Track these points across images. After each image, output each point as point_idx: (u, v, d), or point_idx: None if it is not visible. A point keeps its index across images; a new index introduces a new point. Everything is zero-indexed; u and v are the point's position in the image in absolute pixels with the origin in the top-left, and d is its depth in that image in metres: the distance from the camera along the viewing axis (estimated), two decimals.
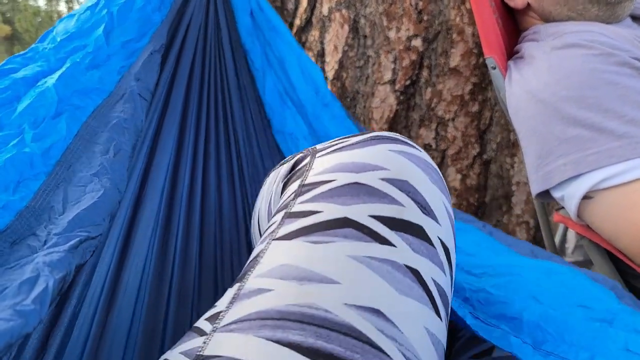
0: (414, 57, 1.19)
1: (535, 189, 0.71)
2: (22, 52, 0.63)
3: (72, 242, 0.40)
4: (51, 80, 0.56)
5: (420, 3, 1.17)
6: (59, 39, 0.65)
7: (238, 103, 1.02)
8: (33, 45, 0.66)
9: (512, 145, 1.22)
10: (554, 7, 0.83)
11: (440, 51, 1.18)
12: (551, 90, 0.68)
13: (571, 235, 1.15)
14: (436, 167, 0.41)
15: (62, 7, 21.14)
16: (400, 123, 1.23)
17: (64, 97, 0.55)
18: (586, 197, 0.64)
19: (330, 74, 1.31)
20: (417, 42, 1.18)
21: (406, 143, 0.41)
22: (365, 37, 1.25)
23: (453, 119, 1.19)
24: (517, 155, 1.22)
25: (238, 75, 1.02)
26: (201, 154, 0.94)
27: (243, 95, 1.04)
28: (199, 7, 0.94)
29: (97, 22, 0.70)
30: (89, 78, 0.61)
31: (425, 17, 1.17)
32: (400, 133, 1.23)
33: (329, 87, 1.30)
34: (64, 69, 0.59)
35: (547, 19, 0.86)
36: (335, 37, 1.29)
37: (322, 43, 1.34)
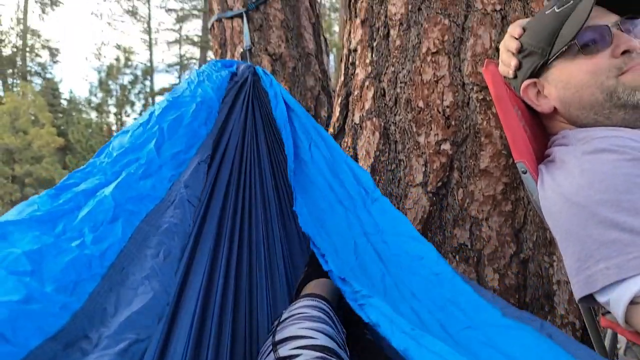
0: (444, 160, 1.23)
1: (578, 293, 0.70)
2: (81, 167, 0.70)
3: (121, 345, 0.42)
4: (108, 189, 0.61)
5: (448, 109, 1.23)
6: (115, 154, 0.72)
7: (276, 211, 1.07)
8: (91, 160, 0.73)
9: (549, 244, 1.20)
10: (581, 112, 0.86)
11: (470, 153, 1.22)
12: (585, 193, 0.69)
13: (622, 336, 1.09)
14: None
15: (112, 119, 22.83)
16: (434, 223, 1.24)
17: (120, 202, 0.60)
18: (633, 302, 0.63)
19: None
20: (447, 146, 1.23)
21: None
22: (395, 142, 1.31)
23: (487, 219, 1.20)
24: (556, 253, 1.20)
25: (277, 184, 1.08)
26: (234, 261, 0.97)
27: (284, 205, 1.08)
28: (238, 121, 1.02)
29: (149, 137, 0.78)
30: (142, 186, 0.66)
31: (453, 122, 1.23)
32: (435, 233, 1.24)
33: None
34: (119, 179, 0.65)
35: (574, 123, 0.89)
36: (367, 144, 1.36)
37: (354, 149, 1.41)
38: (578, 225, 0.69)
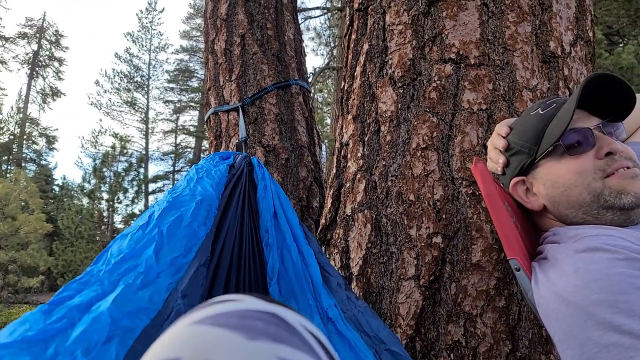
0: (435, 253, 1.22)
1: None
2: (77, 277, 0.68)
3: None
4: (105, 304, 0.59)
5: (438, 203, 1.25)
6: (113, 261, 0.71)
7: None
8: (88, 268, 0.71)
9: (545, 342, 1.17)
10: (570, 211, 0.87)
11: (461, 247, 1.22)
12: (582, 293, 0.69)
13: None
14: (270, 309, 0.35)
15: (104, 205, 22.81)
16: (427, 319, 1.21)
17: (116, 319, 0.58)
18: None
19: (355, 270, 1.34)
20: (438, 239, 1.23)
21: (224, 301, 0.35)
22: (387, 234, 1.31)
23: (481, 315, 1.17)
24: (553, 352, 1.16)
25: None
26: None
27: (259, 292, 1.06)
28: (235, 215, 1.02)
29: (148, 242, 0.76)
30: (140, 297, 0.64)
31: (444, 216, 1.24)
32: (428, 329, 1.20)
33: (354, 283, 1.33)
34: (118, 291, 0.63)
35: (564, 220, 0.90)
36: (359, 235, 1.36)
37: (346, 240, 1.40)
38: (577, 326, 0.67)
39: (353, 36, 1.60)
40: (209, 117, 2.35)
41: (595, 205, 0.83)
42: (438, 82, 1.33)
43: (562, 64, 1.33)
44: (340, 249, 1.41)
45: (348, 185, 1.46)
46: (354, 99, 1.53)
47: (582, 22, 1.41)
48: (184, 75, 30.59)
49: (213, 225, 0.93)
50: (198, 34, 30.84)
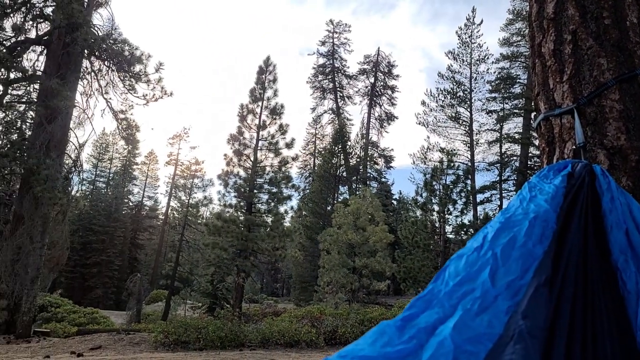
0: None
1: None
2: (421, 294, 0.76)
3: None
4: (446, 329, 0.65)
5: None
6: (451, 283, 0.76)
7: (606, 324, 0.91)
8: (430, 286, 0.78)
9: None
10: None
11: None
12: None
13: None
14: None
15: (435, 217, 24.14)
16: None
17: (458, 344, 0.63)
18: None
19: None
20: None
21: None
22: None
23: None
24: None
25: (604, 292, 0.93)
26: None
27: (610, 316, 0.92)
28: (578, 230, 0.92)
29: (483, 265, 0.78)
30: (478, 324, 0.67)
31: None
32: None
33: None
34: (457, 316, 0.67)
35: None
36: None
37: None
38: None
39: None
40: (539, 124, 2.24)
41: None
42: None
43: None
44: None
45: None
46: None
47: None
48: (506, 83, 29.87)
49: (551, 242, 0.86)
50: (519, 38, 29.68)
